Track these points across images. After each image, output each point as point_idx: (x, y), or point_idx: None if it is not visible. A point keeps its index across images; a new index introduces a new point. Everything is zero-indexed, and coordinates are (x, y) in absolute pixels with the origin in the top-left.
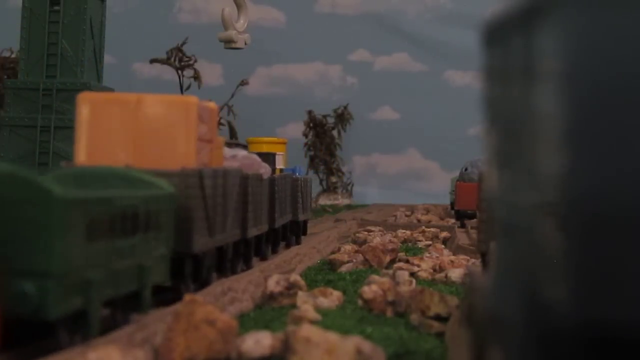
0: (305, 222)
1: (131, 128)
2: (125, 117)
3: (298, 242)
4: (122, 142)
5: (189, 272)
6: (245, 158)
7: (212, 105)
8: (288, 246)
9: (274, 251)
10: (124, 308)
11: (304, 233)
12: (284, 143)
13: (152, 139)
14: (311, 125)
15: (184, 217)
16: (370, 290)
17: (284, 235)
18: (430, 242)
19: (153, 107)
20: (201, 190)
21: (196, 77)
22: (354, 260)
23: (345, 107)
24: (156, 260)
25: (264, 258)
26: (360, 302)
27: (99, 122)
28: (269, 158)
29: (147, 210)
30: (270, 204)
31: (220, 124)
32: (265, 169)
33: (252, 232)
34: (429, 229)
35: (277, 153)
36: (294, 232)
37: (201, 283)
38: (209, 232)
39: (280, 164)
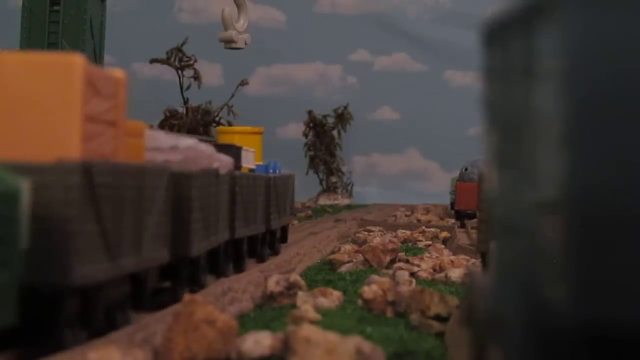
0: (284, 229)
1: None
2: None
3: (275, 252)
4: None
5: (72, 312)
6: (190, 149)
7: (119, 74)
8: (261, 260)
9: (239, 269)
10: None
11: (284, 240)
12: (260, 133)
13: (15, 116)
14: (311, 125)
15: (58, 231)
16: (370, 290)
17: (254, 248)
18: (430, 242)
19: (17, 70)
20: (90, 192)
21: (196, 77)
22: (354, 260)
23: (345, 107)
24: None
25: (223, 275)
26: (360, 302)
27: None
28: (231, 153)
29: None
30: (231, 208)
31: (220, 123)
32: (222, 163)
33: (199, 248)
34: (429, 229)
35: (245, 148)
36: (269, 241)
37: (107, 325)
38: (106, 254)
39: (249, 161)
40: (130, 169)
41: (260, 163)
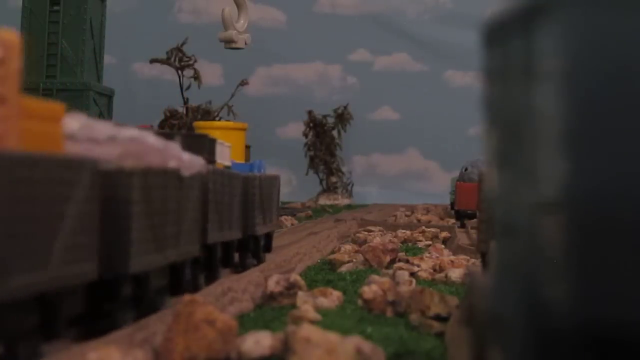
0: (269, 236)
1: None
2: None
3: (259, 261)
4: None
5: None
6: (133, 142)
7: (7, 35)
8: (243, 268)
9: (211, 279)
10: None
11: (268, 249)
12: (243, 129)
13: None
14: (311, 125)
15: None
16: (370, 290)
17: (229, 258)
18: (430, 242)
19: None
20: None
21: (196, 77)
22: (354, 260)
23: (345, 107)
24: None
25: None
26: (360, 302)
27: None
28: (202, 145)
29: None
30: (203, 213)
31: None
32: (184, 163)
33: (145, 263)
34: (429, 229)
35: (221, 142)
36: (253, 249)
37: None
38: None
39: (224, 157)
40: (24, 159)
41: (243, 162)
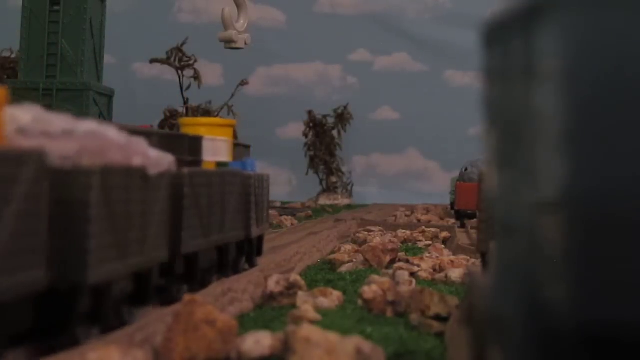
0: (260, 239)
1: None
2: None
3: (251, 265)
4: None
5: None
6: (91, 136)
7: None
8: (235, 272)
9: (192, 290)
10: None
11: (259, 253)
12: (231, 126)
13: None
14: (311, 125)
15: None
16: (370, 290)
17: (224, 261)
18: (430, 242)
19: None
20: None
21: (196, 77)
22: (354, 260)
23: (345, 107)
24: None
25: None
26: (360, 302)
27: None
28: (181, 144)
29: None
30: (177, 216)
31: None
32: (151, 160)
33: (106, 272)
34: (429, 229)
35: (209, 138)
36: (248, 251)
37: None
38: None
39: (219, 154)
40: None
41: (231, 160)
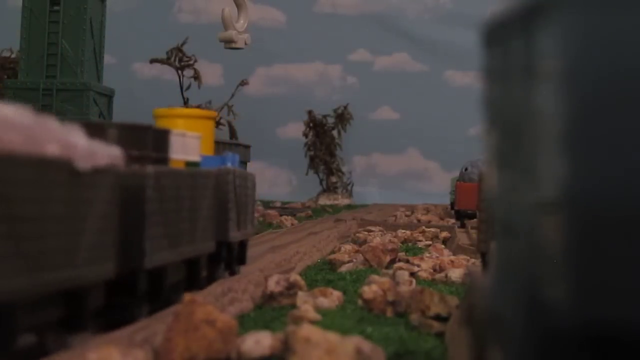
0: (243, 245)
1: None
2: None
3: (231, 273)
4: None
5: None
6: None
7: None
8: (210, 282)
9: (156, 309)
10: None
11: (242, 261)
12: (212, 118)
13: None
14: (311, 125)
15: None
16: (370, 290)
17: (196, 273)
18: (430, 242)
19: None
20: None
21: (196, 77)
22: (354, 260)
23: (345, 107)
24: None
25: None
26: (360, 302)
27: None
28: (144, 138)
29: None
30: (138, 224)
31: (220, 123)
32: (75, 148)
33: (28, 287)
34: (429, 229)
35: (179, 132)
36: (227, 258)
37: None
38: None
39: (189, 152)
40: None
41: (212, 155)
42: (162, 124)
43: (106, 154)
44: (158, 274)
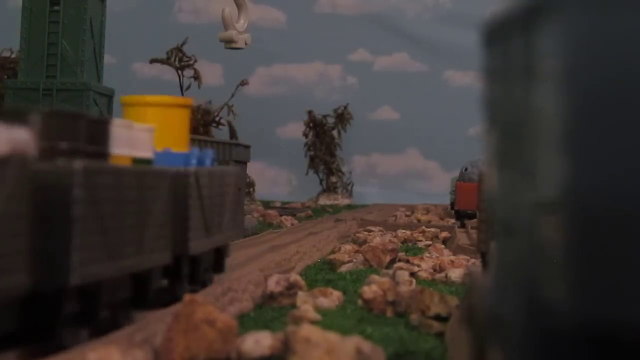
0: (220, 252)
1: None
2: None
3: (201, 286)
4: None
5: None
6: None
7: None
8: (173, 300)
9: (95, 331)
10: None
11: (220, 269)
12: (187, 106)
13: None
14: (311, 125)
15: None
16: (370, 290)
17: (145, 289)
18: (430, 242)
19: None
20: None
21: (196, 77)
22: (354, 260)
23: (345, 107)
24: None
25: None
26: (360, 302)
27: None
28: (75, 128)
29: None
30: (60, 231)
31: (220, 123)
32: None
33: None
34: (429, 229)
35: (124, 123)
36: (189, 273)
37: None
38: None
39: (143, 147)
40: None
41: (186, 150)
42: (130, 113)
43: (4, 137)
44: (92, 292)
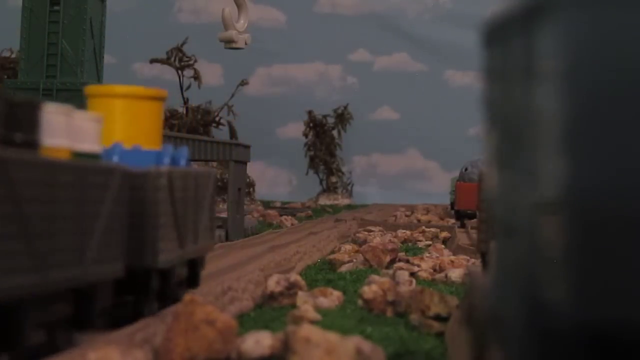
0: (194, 264)
1: None
2: None
3: (172, 301)
4: None
5: None
6: None
7: None
8: (135, 318)
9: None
10: None
11: (194, 284)
12: (161, 99)
13: None
14: (311, 125)
15: None
16: (370, 290)
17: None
18: (430, 242)
19: None
20: None
21: (196, 77)
22: (354, 260)
23: (345, 107)
24: None
25: None
26: (360, 302)
27: None
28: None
29: None
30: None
31: (220, 123)
32: None
33: None
34: (429, 229)
35: (67, 111)
36: (159, 289)
37: None
38: None
39: (88, 138)
40: None
41: (158, 147)
42: (96, 105)
43: None
44: (12, 309)
